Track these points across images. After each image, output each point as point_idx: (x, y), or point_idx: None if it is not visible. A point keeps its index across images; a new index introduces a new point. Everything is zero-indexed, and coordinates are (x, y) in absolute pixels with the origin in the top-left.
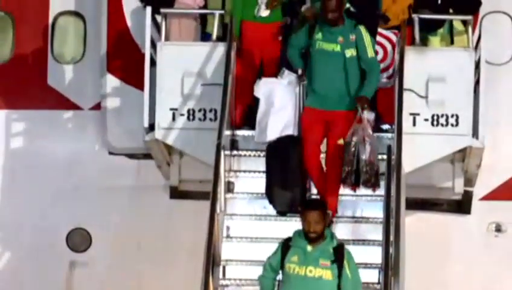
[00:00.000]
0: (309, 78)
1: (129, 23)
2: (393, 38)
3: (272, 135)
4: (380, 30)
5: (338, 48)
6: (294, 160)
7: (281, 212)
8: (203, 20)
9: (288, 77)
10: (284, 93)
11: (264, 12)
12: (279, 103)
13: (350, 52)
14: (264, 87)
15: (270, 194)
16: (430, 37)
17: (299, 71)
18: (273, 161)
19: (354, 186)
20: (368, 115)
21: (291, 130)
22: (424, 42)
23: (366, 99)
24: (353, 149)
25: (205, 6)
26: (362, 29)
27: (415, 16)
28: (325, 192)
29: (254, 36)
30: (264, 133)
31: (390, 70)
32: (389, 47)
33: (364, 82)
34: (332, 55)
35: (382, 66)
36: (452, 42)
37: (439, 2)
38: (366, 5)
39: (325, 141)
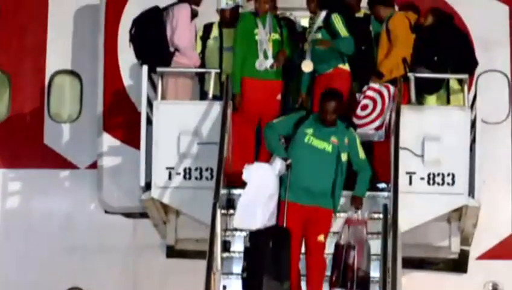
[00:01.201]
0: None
1: (125, 82)
2: (384, 92)
3: (259, 224)
4: (373, 85)
5: (330, 148)
6: (285, 254)
7: None
8: (202, 78)
9: (279, 165)
10: (274, 182)
11: (268, 63)
12: (269, 192)
13: (345, 157)
14: (255, 173)
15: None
16: (426, 95)
17: (288, 161)
18: (259, 252)
19: (343, 288)
20: (362, 216)
21: (274, 221)
22: (420, 100)
23: (360, 200)
24: (343, 251)
25: (203, 66)
26: (353, 131)
27: (411, 75)
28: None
29: (254, 93)
30: (251, 221)
31: (377, 123)
32: (378, 100)
33: (357, 180)
34: (323, 153)
35: (368, 119)
36: (448, 101)
37: (436, 59)
38: (361, 59)
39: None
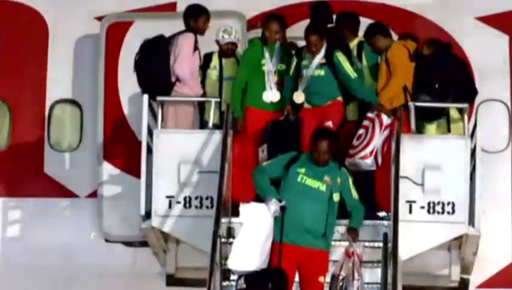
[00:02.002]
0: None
1: (125, 111)
2: (376, 120)
3: (256, 265)
4: (368, 114)
5: (324, 188)
6: None
7: None
8: (202, 108)
9: (274, 206)
10: (270, 223)
11: (275, 97)
12: (265, 235)
13: (337, 197)
14: (251, 213)
15: None
16: (426, 124)
17: (283, 202)
18: None
19: None
20: (358, 248)
21: (267, 262)
22: (421, 129)
23: (356, 232)
24: (340, 284)
25: (203, 95)
26: (345, 170)
27: (411, 104)
28: None
29: (258, 122)
30: (247, 262)
31: (364, 152)
32: (370, 128)
33: (351, 216)
34: (317, 193)
35: (359, 148)
36: (449, 130)
37: (437, 86)
38: None
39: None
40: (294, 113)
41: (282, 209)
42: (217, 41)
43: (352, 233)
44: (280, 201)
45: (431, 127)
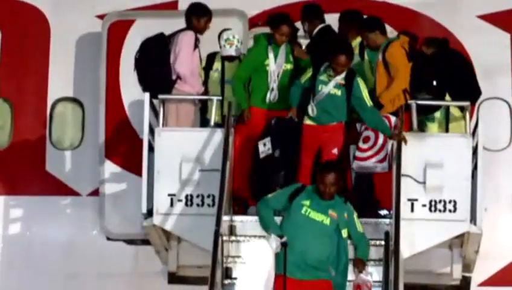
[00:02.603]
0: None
1: (127, 109)
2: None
3: None
4: None
5: (328, 221)
6: None
7: None
8: (203, 107)
9: (275, 243)
10: (272, 260)
11: (273, 95)
12: (268, 270)
13: (346, 233)
14: (253, 250)
15: None
16: (428, 123)
17: (284, 238)
18: None
19: None
20: (366, 278)
21: None
22: (422, 128)
23: (363, 263)
24: None
25: (206, 93)
26: (350, 206)
27: (413, 102)
28: None
29: (260, 121)
30: None
31: (380, 156)
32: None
33: (358, 247)
34: (321, 226)
35: (372, 152)
36: (447, 129)
37: (435, 83)
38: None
39: None
40: (298, 116)
41: (284, 245)
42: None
43: (359, 264)
44: (281, 237)
45: (433, 126)
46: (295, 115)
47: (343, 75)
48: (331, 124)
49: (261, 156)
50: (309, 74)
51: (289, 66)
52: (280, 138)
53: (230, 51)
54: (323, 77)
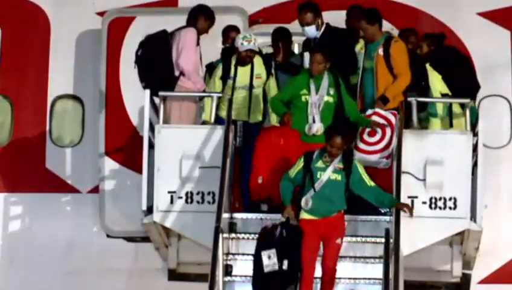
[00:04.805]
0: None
1: (127, 106)
2: (392, 119)
3: None
4: (378, 110)
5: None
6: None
7: None
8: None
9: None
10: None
11: (315, 128)
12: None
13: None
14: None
15: None
16: (432, 118)
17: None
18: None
19: None
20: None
21: None
22: (425, 125)
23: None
24: None
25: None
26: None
27: (413, 100)
28: None
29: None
30: None
31: (386, 152)
32: (387, 127)
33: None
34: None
35: (380, 146)
36: (451, 125)
37: (423, 83)
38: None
39: None
40: (296, 218)
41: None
42: (236, 48)
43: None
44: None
45: (435, 122)
46: (293, 217)
47: (339, 158)
48: (332, 216)
49: (266, 270)
50: (300, 165)
51: (330, 98)
52: (286, 247)
53: (249, 46)
54: (319, 164)
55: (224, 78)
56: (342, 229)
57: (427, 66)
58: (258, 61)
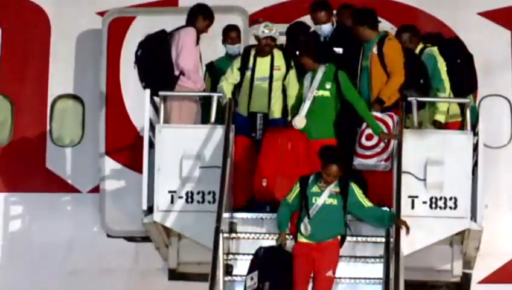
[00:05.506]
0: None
1: (127, 106)
2: (389, 121)
3: None
4: (375, 114)
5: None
6: None
7: None
8: (204, 104)
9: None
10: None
11: (297, 122)
12: None
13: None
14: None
15: None
16: (437, 114)
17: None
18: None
19: None
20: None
21: None
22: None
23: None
24: None
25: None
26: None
27: (413, 99)
28: None
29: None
30: None
31: (384, 155)
32: (384, 130)
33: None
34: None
35: (377, 149)
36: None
37: (422, 81)
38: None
39: None
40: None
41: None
42: (256, 37)
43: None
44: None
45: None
46: (284, 242)
47: (335, 182)
48: (326, 242)
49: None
50: (296, 190)
51: (322, 93)
52: (269, 270)
53: (270, 33)
54: (314, 189)
55: (243, 69)
56: (335, 259)
57: (435, 49)
58: (278, 54)
